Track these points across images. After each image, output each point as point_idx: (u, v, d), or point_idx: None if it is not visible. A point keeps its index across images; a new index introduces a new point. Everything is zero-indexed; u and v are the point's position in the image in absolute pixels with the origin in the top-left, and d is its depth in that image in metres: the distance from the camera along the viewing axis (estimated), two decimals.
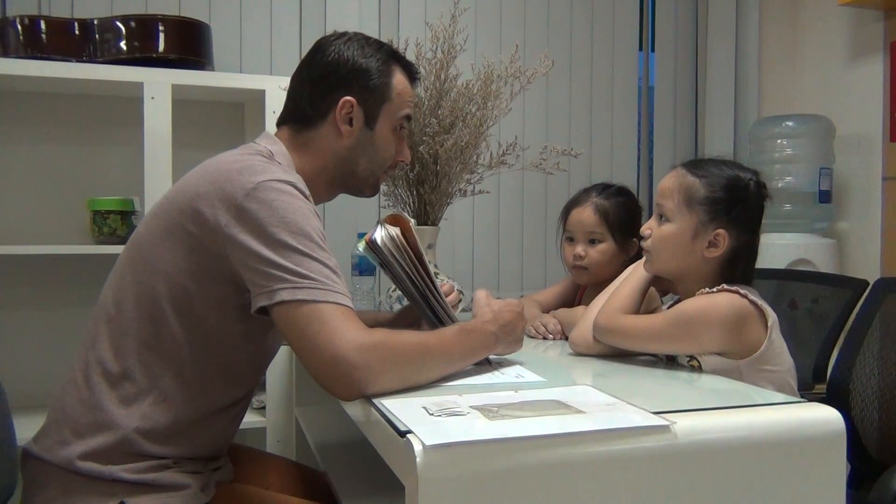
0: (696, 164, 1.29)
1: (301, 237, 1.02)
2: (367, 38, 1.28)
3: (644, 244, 1.31)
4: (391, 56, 1.28)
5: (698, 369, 1.22)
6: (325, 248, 1.04)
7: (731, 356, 1.20)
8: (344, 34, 1.28)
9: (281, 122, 1.28)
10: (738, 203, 1.24)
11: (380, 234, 1.14)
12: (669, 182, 1.28)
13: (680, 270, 1.29)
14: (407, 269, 1.16)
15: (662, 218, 1.27)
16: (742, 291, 1.21)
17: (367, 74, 1.24)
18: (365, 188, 1.32)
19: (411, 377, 1.00)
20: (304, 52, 1.30)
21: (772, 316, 1.21)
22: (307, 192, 1.11)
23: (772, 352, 1.20)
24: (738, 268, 1.26)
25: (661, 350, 1.26)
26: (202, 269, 1.07)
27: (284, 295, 0.99)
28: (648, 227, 1.30)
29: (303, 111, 1.25)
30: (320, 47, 1.27)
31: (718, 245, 1.23)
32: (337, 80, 1.23)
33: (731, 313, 1.19)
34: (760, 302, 1.21)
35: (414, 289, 1.18)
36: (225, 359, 1.13)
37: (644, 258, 1.33)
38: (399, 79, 1.27)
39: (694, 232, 1.24)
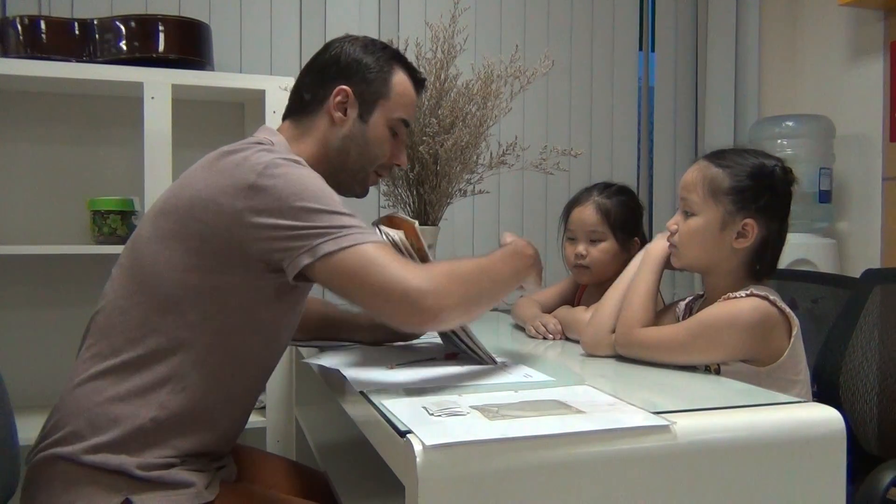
0: (718, 155, 1.25)
1: (323, 198, 1.05)
2: (374, 41, 1.31)
3: (671, 239, 1.28)
4: (395, 57, 1.30)
5: (716, 372, 1.19)
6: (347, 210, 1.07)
7: (755, 363, 1.17)
8: (354, 36, 1.32)
9: (284, 118, 1.31)
10: (764, 191, 1.20)
11: (381, 239, 1.14)
12: (693, 175, 1.24)
13: (709, 263, 1.25)
14: None
15: (688, 212, 1.24)
16: (772, 297, 1.17)
17: (366, 68, 1.26)
18: (354, 184, 1.31)
19: (474, 298, 1.04)
20: (304, 52, 1.31)
21: (797, 324, 1.18)
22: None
23: (793, 360, 1.18)
24: (766, 257, 1.23)
25: (686, 361, 1.20)
26: (214, 262, 1.07)
27: (328, 246, 1.00)
28: (675, 223, 1.27)
29: (301, 98, 1.28)
30: (328, 45, 1.31)
31: (747, 235, 1.20)
32: (336, 71, 1.26)
33: (757, 318, 1.16)
34: (788, 310, 1.18)
35: None
36: (236, 350, 1.14)
37: (670, 253, 1.30)
38: (401, 79, 1.29)
39: (722, 223, 1.21)
